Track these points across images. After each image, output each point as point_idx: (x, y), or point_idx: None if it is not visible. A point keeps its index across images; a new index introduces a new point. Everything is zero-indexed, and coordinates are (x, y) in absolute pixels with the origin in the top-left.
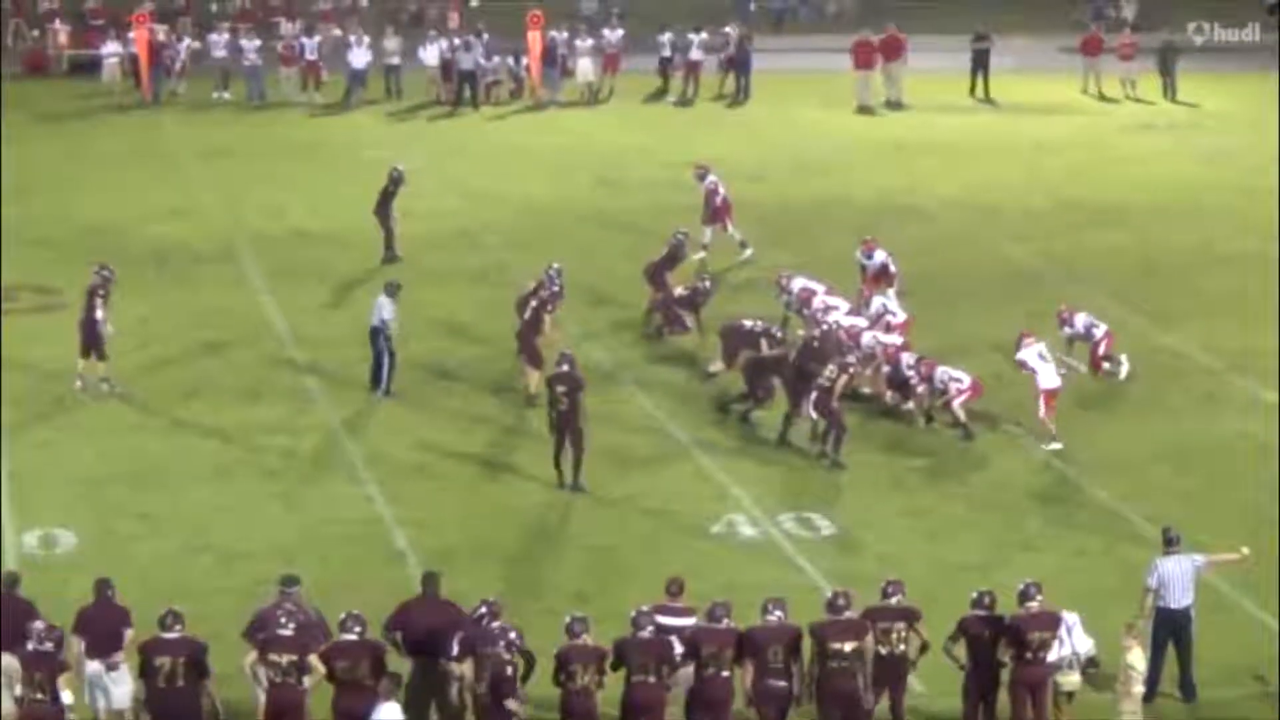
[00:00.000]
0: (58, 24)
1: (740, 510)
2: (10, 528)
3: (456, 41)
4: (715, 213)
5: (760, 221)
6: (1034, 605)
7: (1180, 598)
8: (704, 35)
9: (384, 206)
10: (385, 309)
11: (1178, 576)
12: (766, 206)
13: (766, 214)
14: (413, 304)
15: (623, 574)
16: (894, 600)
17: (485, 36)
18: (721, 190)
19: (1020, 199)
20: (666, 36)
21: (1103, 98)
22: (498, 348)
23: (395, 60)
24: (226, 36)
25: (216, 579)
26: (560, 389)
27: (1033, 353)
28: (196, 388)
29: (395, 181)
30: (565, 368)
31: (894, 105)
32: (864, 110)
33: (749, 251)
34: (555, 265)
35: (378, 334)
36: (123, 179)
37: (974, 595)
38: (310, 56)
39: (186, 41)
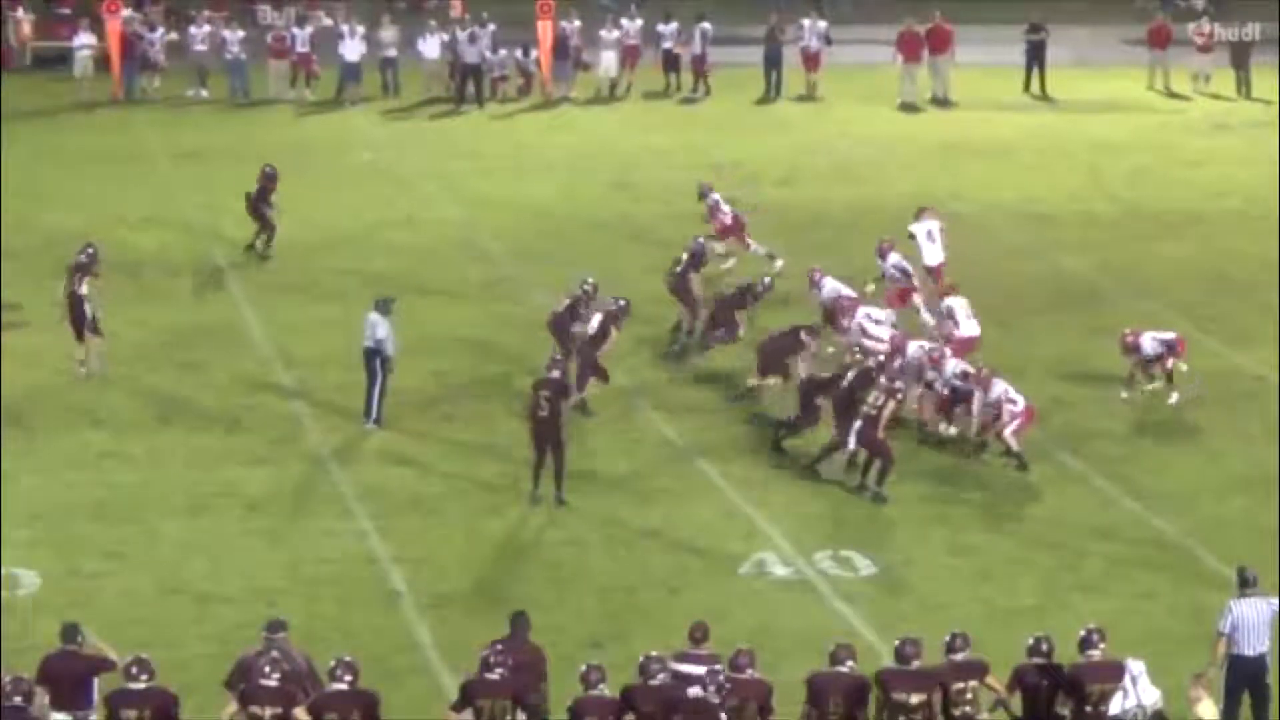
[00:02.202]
0: (20, 13)
1: (771, 548)
2: None
3: (459, 32)
4: (724, 231)
5: (791, 229)
6: (1095, 653)
7: (1256, 644)
8: (707, 25)
9: (257, 205)
10: (379, 328)
11: (1254, 621)
12: (798, 213)
13: (798, 221)
14: (411, 320)
15: (642, 618)
16: (960, 656)
17: (491, 27)
18: (726, 207)
19: (1079, 206)
20: (671, 27)
21: (1171, 94)
22: (505, 369)
23: (392, 53)
24: (207, 29)
25: (193, 623)
26: (544, 394)
27: (923, 228)
28: (172, 413)
29: (269, 178)
30: (555, 374)
31: (941, 102)
32: (908, 107)
33: (779, 263)
34: (590, 280)
35: (373, 355)
36: (92, 183)
37: (1030, 642)
38: (302, 49)
39: (160, 32)
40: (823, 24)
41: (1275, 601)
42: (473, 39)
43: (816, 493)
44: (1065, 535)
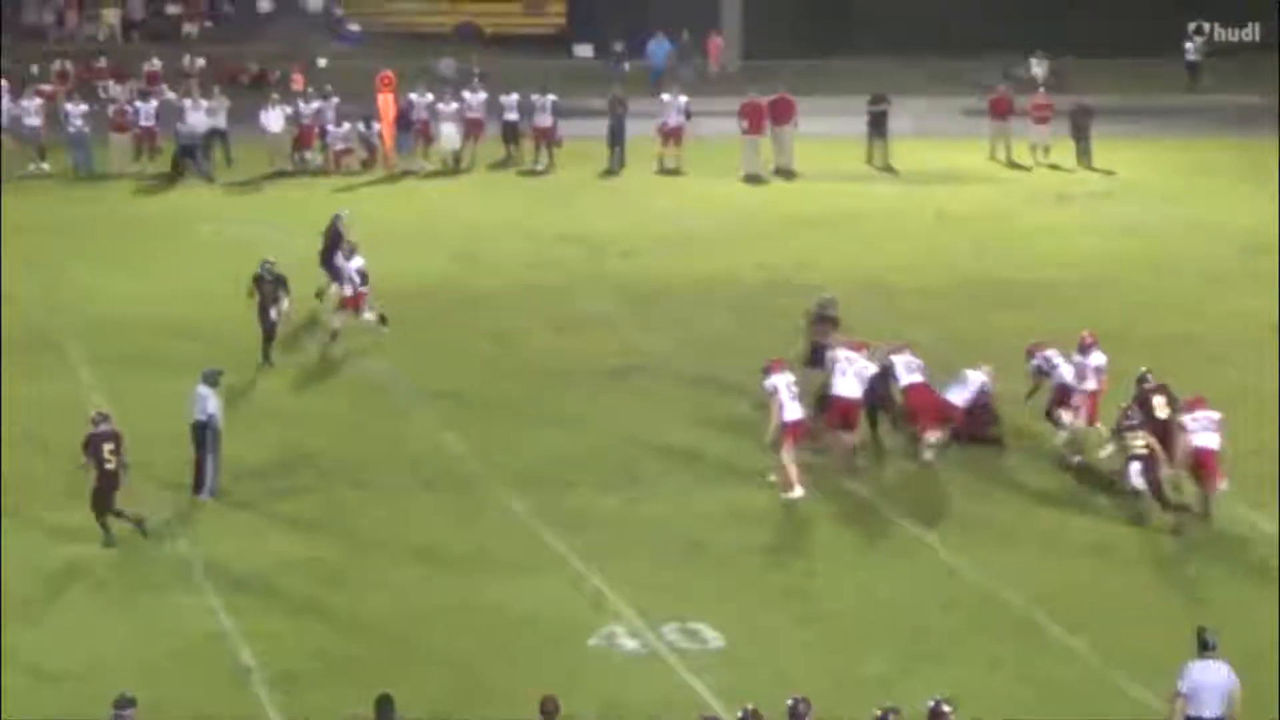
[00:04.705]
0: None
1: (620, 620)
2: None
3: (303, 105)
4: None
5: (635, 302)
6: None
7: (1214, 707)
8: (553, 97)
9: None
10: (209, 401)
11: (1213, 684)
12: (642, 286)
13: (643, 293)
14: (251, 393)
15: (491, 693)
16: None
17: (335, 99)
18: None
19: (922, 276)
20: (513, 99)
21: (1012, 164)
22: (344, 442)
23: (223, 123)
24: (38, 101)
25: (40, 702)
26: (109, 447)
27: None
28: (11, 488)
29: None
30: (105, 427)
31: (784, 173)
32: (751, 179)
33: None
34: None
35: (203, 429)
36: None
37: (877, 712)
38: (146, 123)
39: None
40: (683, 99)
41: (1230, 670)
42: (197, 110)
43: (664, 563)
44: (913, 604)
